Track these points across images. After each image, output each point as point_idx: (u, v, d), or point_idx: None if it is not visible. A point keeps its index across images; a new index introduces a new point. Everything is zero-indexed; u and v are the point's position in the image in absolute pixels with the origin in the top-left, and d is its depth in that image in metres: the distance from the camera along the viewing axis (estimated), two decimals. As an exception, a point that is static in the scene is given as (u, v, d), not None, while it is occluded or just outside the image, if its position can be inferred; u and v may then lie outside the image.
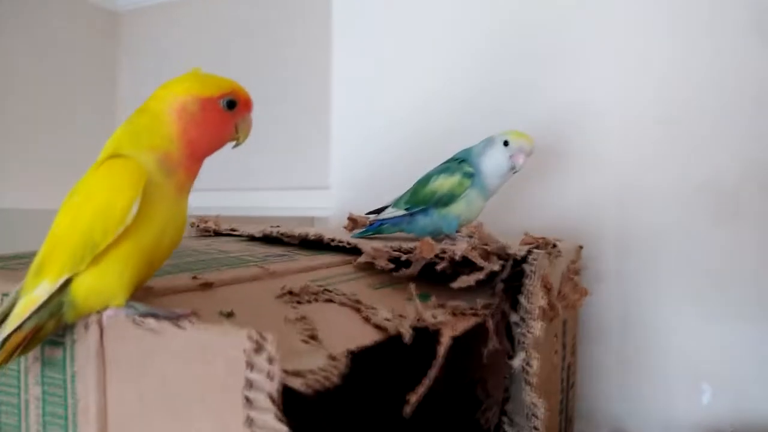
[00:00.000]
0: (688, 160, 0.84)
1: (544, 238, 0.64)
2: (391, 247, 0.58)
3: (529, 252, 0.56)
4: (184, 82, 0.36)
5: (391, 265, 0.56)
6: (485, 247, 0.53)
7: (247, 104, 0.38)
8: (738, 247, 0.81)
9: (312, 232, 0.65)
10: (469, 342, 0.54)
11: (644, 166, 0.86)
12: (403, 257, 0.55)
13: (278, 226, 0.87)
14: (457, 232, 0.68)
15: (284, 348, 0.29)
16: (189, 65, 0.38)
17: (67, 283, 0.33)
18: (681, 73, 0.84)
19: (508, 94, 0.94)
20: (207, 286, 0.43)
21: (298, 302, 0.45)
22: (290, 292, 0.45)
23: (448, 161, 0.70)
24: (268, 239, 0.68)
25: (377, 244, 0.60)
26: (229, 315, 0.38)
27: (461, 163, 0.68)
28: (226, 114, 0.36)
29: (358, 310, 0.46)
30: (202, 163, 0.37)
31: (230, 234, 0.76)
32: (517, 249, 0.57)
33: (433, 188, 0.68)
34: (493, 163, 0.67)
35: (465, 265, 0.54)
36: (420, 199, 0.69)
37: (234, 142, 0.38)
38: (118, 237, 0.32)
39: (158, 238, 0.35)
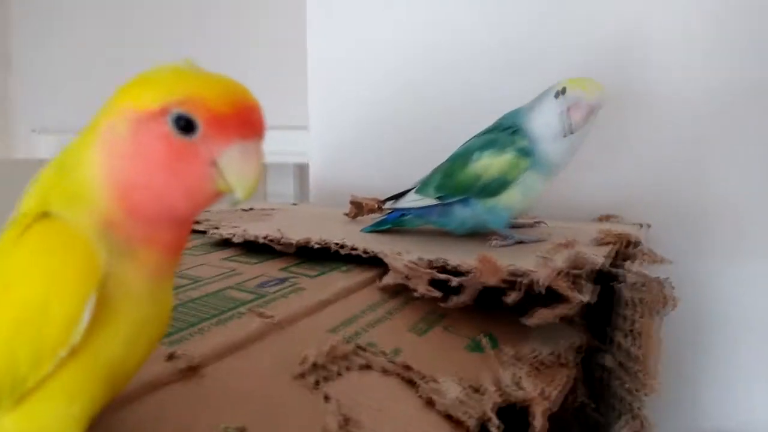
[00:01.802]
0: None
1: (625, 235, 0.55)
2: (432, 264, 0.47)
3: (616, 262, 0.47)
4: (128, 85, 0.23)
5: (436, 293, 0.46)
6: (577, 270, 0.43)
7: (229, 123, 0.23)
8: None
9: (314, 238, 0.54)
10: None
11: (722, 121, 0.76)
12: (454, 281, 0.45)
13: (251, 209, 0.76)
14: (512, 227, 0.58)
15: None
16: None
17: None
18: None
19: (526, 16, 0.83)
20: (191, 371, 0.32)
21: (326, 378, 0.35)
22: (314, 365, 0.35)
23: (493, 128, 0.58)
24: (251, 244, 0.57)
25: (411, 256, 0.49)
26: (239, 438, 0.28)
27: (513, 133, 0.56)
28: (181, 143, 0.22)
29: (411, 383, 0.36)
30: (179, 228, 0.24)
31: (194, 230, 0.64)
32: (597, 257, 0.47)
33: (475, 171, 0.56)
34: (541, 122, 0.55)
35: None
36: (458, 186, 0.57)
37: (229, 195, 0.24)
38: (60, 362, 0.21)
39: (125, 352, 0.23)
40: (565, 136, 0.54)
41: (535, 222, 0.67)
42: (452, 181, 0.57)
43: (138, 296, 0.23)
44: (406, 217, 0.61)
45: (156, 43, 1.43)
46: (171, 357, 0.33)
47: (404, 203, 0.61)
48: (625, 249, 0.53)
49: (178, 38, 1.39)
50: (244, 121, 0.23)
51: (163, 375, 0.32)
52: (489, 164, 0.56)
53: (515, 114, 0.58)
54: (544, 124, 0.55)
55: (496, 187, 0.56)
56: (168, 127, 0.22)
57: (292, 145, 1.17)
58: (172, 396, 0.31)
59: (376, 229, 0.63)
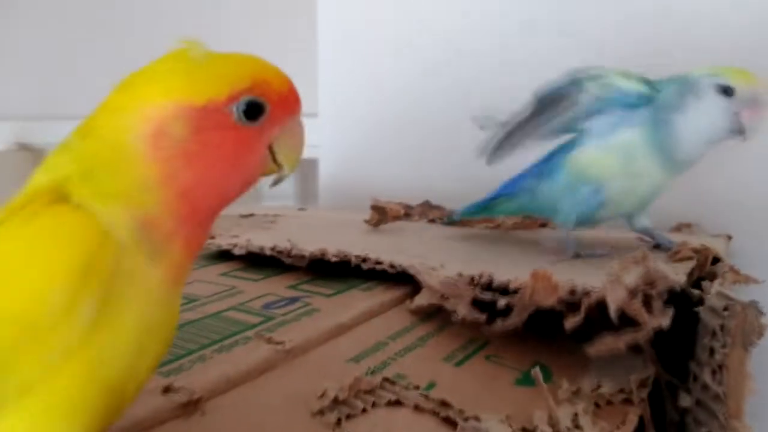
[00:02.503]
0: None
1: (706, 249, 0.55)
2: (475, 281, 0.48)
3: (695, 283, 0.47)
4: (159, 76, 0.26)
5: (479, 315, 0.46)
6: (650, 289, 0.43)
7: (290, 102, 0.28)
8: None
9: (331, 249, 0.55)
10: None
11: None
12: (501, 302, 0.46)
13: (252, 215, 0.77)
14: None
15: None
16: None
17: None
18: None
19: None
20: (192, 405, 0.34)
21: (349, 415, 0.36)
22: (335, 400, 0.36)
23: None
24: (254, 257, 0.59)
25: (448, 271, 0.50)
26: (251, 485, 0.29)
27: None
28: (248, 131, 0.26)
29: (449, 422, 0.37)
30: (211, 224, 0.28)
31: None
32: (678, 275, 0.48)
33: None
34: (703, 123, 0.56)
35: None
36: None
37: (273, 177, 0.28)
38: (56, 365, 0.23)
39: (131, 363, 0.25)
40: (744, 140, 0.56)
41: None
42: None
43: (155, 300, 0.26)
44: (498, 200, 0.64)
45: (132, 18, 1.45)
46: (168, 389, 0.34)
47: None
48: (703, 266, 0.54)
49: (166, 15, 1.42)
50: (297, 97, 0.28)
51: (159, 410, 0.33)
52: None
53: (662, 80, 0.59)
54: (708, 125, 0.56)
55: (591, 109, 0.57)
56: (234, 117, 0.26)
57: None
58: (171, 434, 0.32)
59: (466, 213, 0.68)
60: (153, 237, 0.25)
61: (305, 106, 0.92)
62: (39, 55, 1.64)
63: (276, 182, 0.28)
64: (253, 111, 0.26)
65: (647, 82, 0.58)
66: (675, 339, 0.50)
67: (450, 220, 0.68)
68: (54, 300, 0.23)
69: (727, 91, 0.55)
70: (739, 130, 0.55)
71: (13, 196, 0.26)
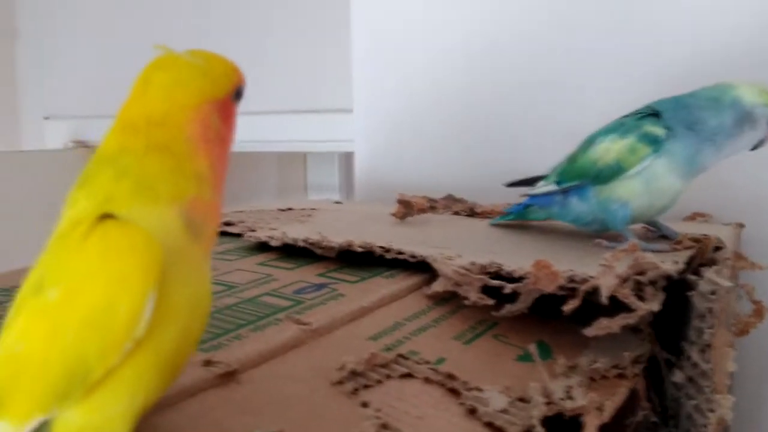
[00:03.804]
0: None
1: (707, 238, 0.59)
2: (485, 269, 0.53)
3: (696, 270, 0.51)
4: (189, 81, 0.32)
5: (488, 300, 0.51)
6: (640, 277, 0.48)
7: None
8: None
9: (357, 241, 0.60)
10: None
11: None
12: (507, 288, 0.51)
13: (290, 209, 0.83)
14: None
15: None
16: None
17: (43, 424, 0.29)
18: None
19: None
20: (229, 376, 0.39)
21: (366, 386, 0.41)
22: (353, 372, 0.41)
23: (630, 114, 0.63)
24: (289, 248, 0.64)
25: (463, 260, 0.55)
26: (277, 440, 0.34)
27: (642, 118, 0.61)
28: (235, 108, 0.36)
29: (454, 392, 0.42)
30: None
31: (225, 232, 0.72)
32: (672, 263, 0.52)
33: (594, 156, 0.62)
34: (743, 145, 0.60)
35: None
36: (576, 171, 0.63)
37: None
38: (125, 354, 0.28)
39: (182, 338, 0.30)
40: (752, 150, 0.61)
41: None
42: (572, 166, 0.64)
43: (196, 274, 0.31)
44: (530, 208, 0.68)
45: (178, 19, 1.51)
46: (208, 363, 0.40)
47: (534, 190, 0.68)
48: (703, 253, 0.58)
49: (209, 15, 1.47)
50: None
51: (200, 381, 0.38)
52: (608, 149, 0.61)
53: (670, 102, 0.62)
54: (737, 139, 0.59)
55: (610, 174, 0.61)
56: (234, 103, 0.35)
57: (336, 132, 1.23)
58: (209, 401, 0.37)
59: (503, 220, 0.71)
60: (196, 219, 0.31)
61: (341, 102, 0.99)
62: (93, 57, 1.71)
63: None
64: (240, 93, 0.35)
65: (666, 107, 0.61)
66: (675, 321, 0.54)
67: (493, 223, 0.73)
68: (126, 306, 0.28)
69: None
70: (758, 146, 0.60)
71: (59, 223, 0.31)
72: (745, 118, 0.58)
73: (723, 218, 0.79)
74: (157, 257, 0.29)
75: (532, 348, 0.45)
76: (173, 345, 0.30)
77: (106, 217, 0.30)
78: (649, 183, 0.60)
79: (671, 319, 0.54)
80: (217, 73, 0.34)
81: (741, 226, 0.77)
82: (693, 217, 0.79)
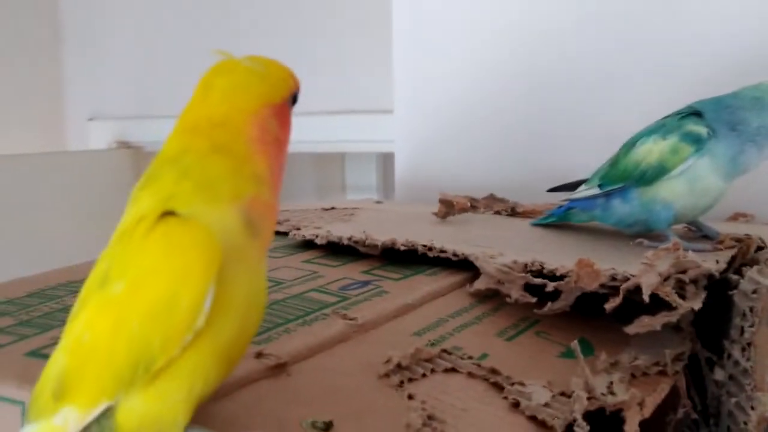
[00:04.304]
0: None
1: (749, 238, 0.59)
2: (527, 268, 0.54)
3: (738, 270, 0.52)
4: (249, 86, 0.34)
5: (530, 298, 0.52)
6: (681, 275, 0.49)
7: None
8: None
9: (400, 239, 0.62)
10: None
11: None
12: (549, 286, 0.52)
13: (333, 208, 0.84)
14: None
15: None
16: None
17: (107, 410, 0.31)
18: None
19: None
20: (279, 368, 0.41)
21: (411, 379, 0.42)
22: (399, 366, 0.42)
23: (671, 114, 0.64)
24: (333, 246, 0.65)
25: (505, 259, 0.56)
26: (327, 428, 0.35)
27: (684, 118, 0.61)
28: (291, 111, 0.37)
29: (497, 386, 0.43)
30: None
31: (275, 231, 0.73)
32: (714, 263, 0.52)
33: (636, 157, 0.62)
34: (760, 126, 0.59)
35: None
36: (619, 173, 0.64)
37: None
38: (185, 345, 0.30)
39: (239, 330, 0.32)
40: None
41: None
42: (615, 169, 0.65)
43: (253, 271, 0.32)
44: (572, 210, 0.69)
45: (221, 22, 1.53)
46: (260, 355, 0.41)
47: (576, 194, 0.69)
48: (745, 253, 0.58)
49: (249, 16, 1.49)
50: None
51: (253, 372, 0.40)
52: (650, 150, 0.62)
53: (713, 102, 0.62)
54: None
55: (653, 175, 0.61)
56: (290, 107, 0.36)
57: (374, 132, 1.24)
58: (262, 391, 0.39)
59: (542, 222, 0.72)
60: (255, 217, 0.32)
61: (383, 103, 1.00)
62: (136, 59, 1.74)
63: None
64: (295, 100, 0.37)
65: (707, 107, 0.62)
66: (717, 321, 0.55)
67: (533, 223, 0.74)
68: (188, 299, 0.29)
69: None
70: None
71: (122, 220, 0.33)
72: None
73: (766, 218, 0.80)
74: (217, 253, 0.30)
75: (575, 344, 0.46)
76: (230, 338, 0.32)
77: (168, 214, 0.31)
78: (692, 183, 0.60)
79: (713, 319, 0.54)
80: (275, 78, 0.36)
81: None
82: (735, 217, 0.79)
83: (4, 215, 1.37)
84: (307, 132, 1.29)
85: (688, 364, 0.53)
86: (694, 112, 0.61)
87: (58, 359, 0.32)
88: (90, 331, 0.31)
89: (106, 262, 0.32)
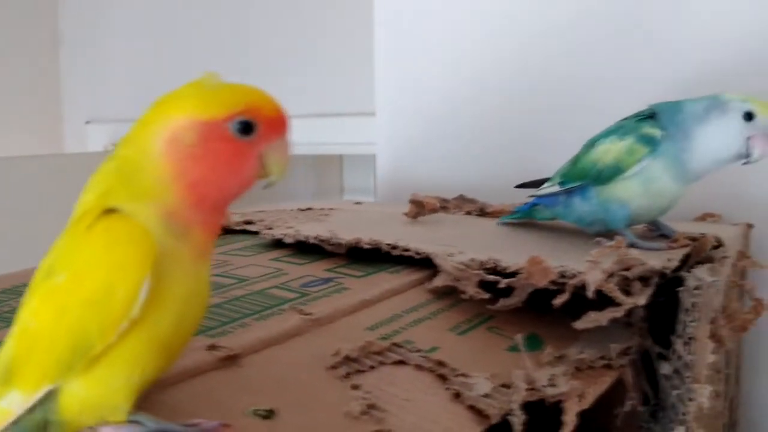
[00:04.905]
0: None
1: (704, 237, 0.61)
2: (483, 265, 0.56)
3: (684, 266, 0.54)
4: (179, 98, 0.35)
5: (484, 294, 0.54)
6: (626, 272, 0.51)
7: (276, 124, 0.35)
8: None
9: (365, 238, 0.63)
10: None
11: None
12: (502, 283, 0.54)
13: (309, 209, 0.86)
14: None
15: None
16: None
17: (50, 393, 0.33)
18: None
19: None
20: (231, 359, 0.43)
21: (359, 371, 0.44)
22: (347, 358, 0.44)
23: (631, 116, 0.66)
24: (302, 245, 0.67)
25: (463, 257, 0.58)
26: (267, 416, 0.37)
27: (641, 120, 0.63)
28: (241, 143, 0.34)
29: (442, 378, 0.45)
30: (223, 212, 0.36)
31: (245, 230, 0.75)
32: (665, 261, 0.54)
33: (594, 157, 0.65)
34: (717, 138, 0.61)
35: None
36: (578, 172, 0.66)
37: (265, 180, 0.37)
38: (121, 333, 0.32)
39: (176, 325, 0.34)
40: (744, 163, 0.62)
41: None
42: (575, 167, 0.67)
43: (188, 273, 0.34)
44: (537, 207, 0.72)
45: (214, 27, 1.55)
46: (212, 347, 0.43)
47: (540, 191, 0.71)
48: (700, 251, 0.60)
49: (236, 20, 1.51)
50: (285, 122, 0.36)
51: (204, 363, 0.42)
52: (607, 150, 0.64)
53: (670, 105, 0.64)
54: (721, 142, 0.61)
55: (609, 174, 0.63)
56: (230, 131, 0.34)
57: (370, 135, 1.25)
58: (212, 382, 0.41)
59: (510, 219, 0.75)
60: (176, 224, 0.34)
61: (364, 105, 1.02)
62: (133, 63, 1.76)
63: (267, 186, 0.37)
64: (246, 128, 0.34)
65: (663, 109, 0.64)
66: (671, 317, 0.57)
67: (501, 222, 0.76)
68: (123, 290, 0.32)
69: (748, 116, 0.59)
70: (745, 155, 0.60)
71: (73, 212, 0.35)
72: (714, 105, 0.61)
73: (738, 220, 0.81)
74: (152, 249, 0.32)
75: (518, 338, 0.48)
76: (167, 330, 0.34)
77: (110, 211, 0.33)
78: (647, 184, 0.62)
79: (667, 316, 0.56)
80: (215, 98, 0.34)
81: (750, 226, 0.78)
82: (703, 217, 0.81)
83: (2, 217, 1.39)
84: (304, 134, 1.31)
85: (642, 359, 0.55)
86: (651, 114, 0.63)
87: (7, 346, 0.34)
88: (35, 318, 0.33)
89: (53, 255, 0.34)
